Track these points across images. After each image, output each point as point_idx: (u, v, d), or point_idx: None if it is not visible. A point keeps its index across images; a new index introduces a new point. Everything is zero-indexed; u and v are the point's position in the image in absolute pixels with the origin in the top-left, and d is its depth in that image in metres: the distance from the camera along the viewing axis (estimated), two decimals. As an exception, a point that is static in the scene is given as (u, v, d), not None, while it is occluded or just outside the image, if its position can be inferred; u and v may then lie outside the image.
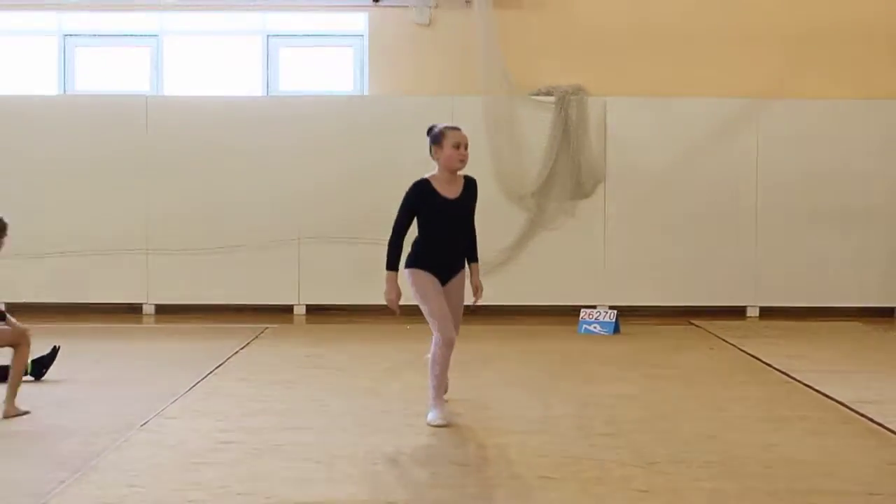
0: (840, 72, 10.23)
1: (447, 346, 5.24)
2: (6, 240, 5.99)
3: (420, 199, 5.36)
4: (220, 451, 4.83)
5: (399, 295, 5.37)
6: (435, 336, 5.29)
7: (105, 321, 9.54)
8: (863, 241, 10.08)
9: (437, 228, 5.36)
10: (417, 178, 10.40)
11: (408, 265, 5.36)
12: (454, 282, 5.43)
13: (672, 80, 10.24)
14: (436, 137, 5.39)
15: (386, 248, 5.43)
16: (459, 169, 5.43)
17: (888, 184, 10.06)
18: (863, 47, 10.23)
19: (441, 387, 5.38)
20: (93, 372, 6.90)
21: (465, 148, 5.37)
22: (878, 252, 10.12)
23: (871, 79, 10.23)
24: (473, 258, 5.68)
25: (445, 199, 5.36)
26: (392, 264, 5.38)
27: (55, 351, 6.77)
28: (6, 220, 5.95)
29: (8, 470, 4.53)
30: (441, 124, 5.50)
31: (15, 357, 5.75)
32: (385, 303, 5.44)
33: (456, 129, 5.41)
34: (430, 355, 5.40)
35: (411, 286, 5.33)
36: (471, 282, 5.56)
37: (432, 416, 5.28)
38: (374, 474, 4.37)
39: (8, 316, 5.87)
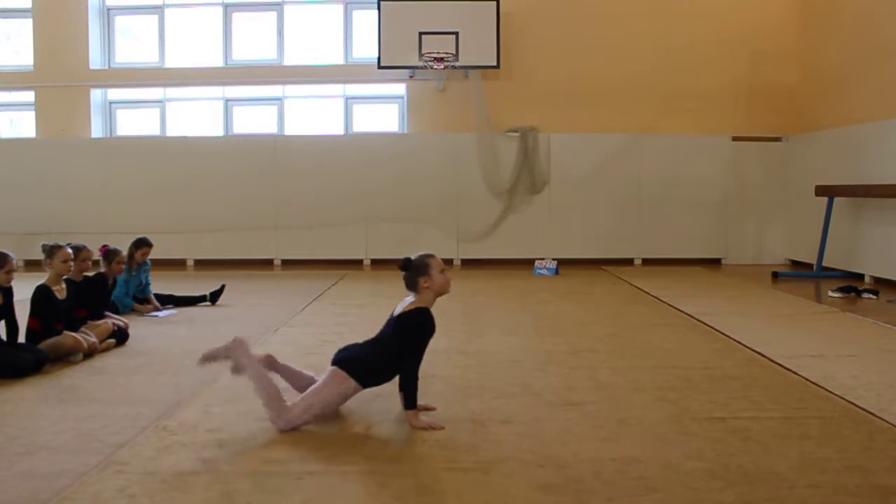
0: (687, 116, 10.07)
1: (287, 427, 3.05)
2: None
3: (432, 331, 3.21)
4: (320, 346, 4.88)
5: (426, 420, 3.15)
6: (292, 416, 3.05)
7: (250, 269, 9.55)
8: (700, 217, 9.93)
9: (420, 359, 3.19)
10: (440, 177, 10.09)
11: (359, 374, 3.18)
12: None
13: (590, 122, 10.08)
14: (422, 268, 3.16)
15: (407, 384, 3.15)
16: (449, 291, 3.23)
17: (714, 186, 9.96)
18: (702, 102, 10.06)
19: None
20: (246, 299, 6.95)
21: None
22: (710, 225, 9.99)
23: (708, 122, 10.08)
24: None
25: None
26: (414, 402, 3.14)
27: (223, 287, 6.81)
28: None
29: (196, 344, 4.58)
30: (415, 255, 3.21)
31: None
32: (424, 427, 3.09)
33: (433, 255, 3.22)
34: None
35: (339, 384, 3.13)
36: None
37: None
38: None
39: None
